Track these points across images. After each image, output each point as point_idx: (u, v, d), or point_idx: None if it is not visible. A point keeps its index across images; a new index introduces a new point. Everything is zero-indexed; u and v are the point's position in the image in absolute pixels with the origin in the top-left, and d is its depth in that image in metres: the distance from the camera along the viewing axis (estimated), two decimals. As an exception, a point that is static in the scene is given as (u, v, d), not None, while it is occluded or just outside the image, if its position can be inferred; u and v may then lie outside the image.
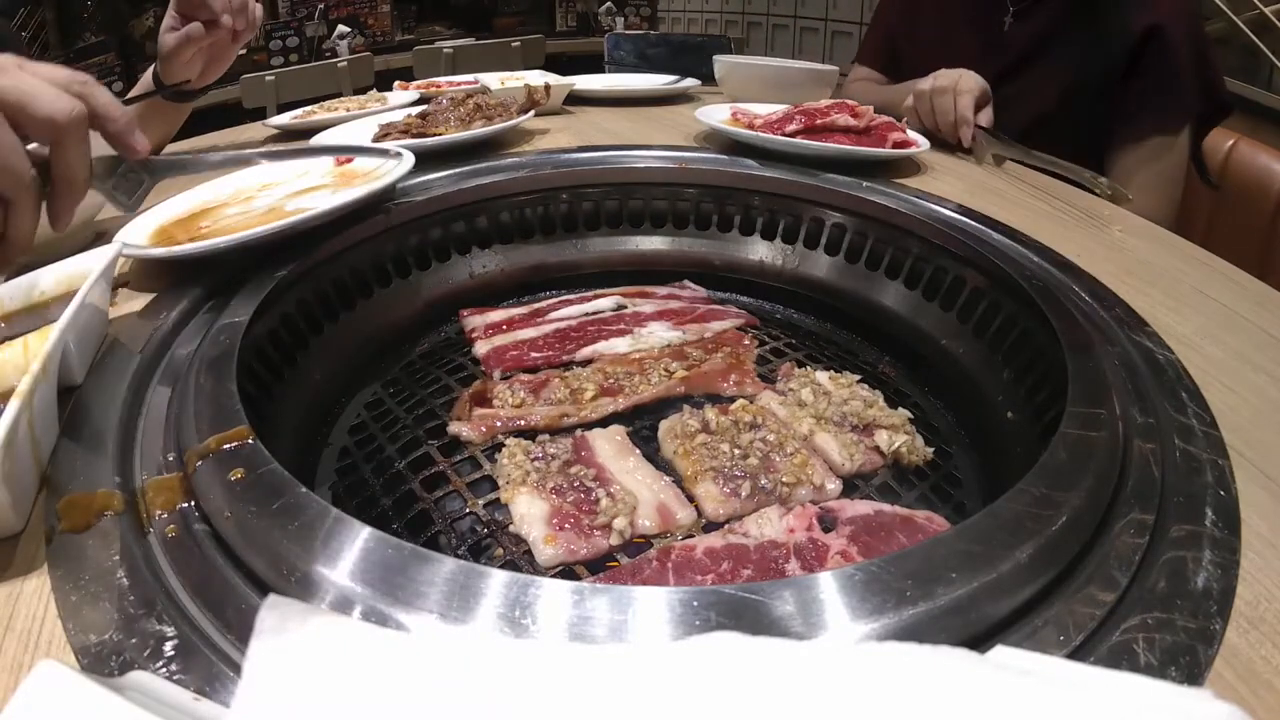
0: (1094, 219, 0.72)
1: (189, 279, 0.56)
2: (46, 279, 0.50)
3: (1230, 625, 0.29)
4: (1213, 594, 0.30)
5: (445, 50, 3.37)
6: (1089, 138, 1.07)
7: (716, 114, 0.93)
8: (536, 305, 0.70)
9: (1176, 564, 0.32)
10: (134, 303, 0.54)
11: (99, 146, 0.51)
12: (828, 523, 0.42)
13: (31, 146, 0.46)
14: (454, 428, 0.52)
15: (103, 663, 0.27)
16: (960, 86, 0.95)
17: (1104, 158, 1.08)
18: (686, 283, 0.75)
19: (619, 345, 0.62)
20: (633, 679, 0.21)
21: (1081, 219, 0.72)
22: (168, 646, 0.27)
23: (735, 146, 0.86)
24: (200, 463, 0.35)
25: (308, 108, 1.17)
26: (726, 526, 0.43)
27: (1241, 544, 0.33)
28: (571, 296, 0.72)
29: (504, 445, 0.49)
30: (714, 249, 0.78)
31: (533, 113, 0.97)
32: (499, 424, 0.52)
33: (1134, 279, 0.58)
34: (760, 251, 0.76)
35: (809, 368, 0.58)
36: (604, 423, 0.53)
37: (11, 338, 0.43)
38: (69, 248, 0.53)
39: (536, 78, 1.22)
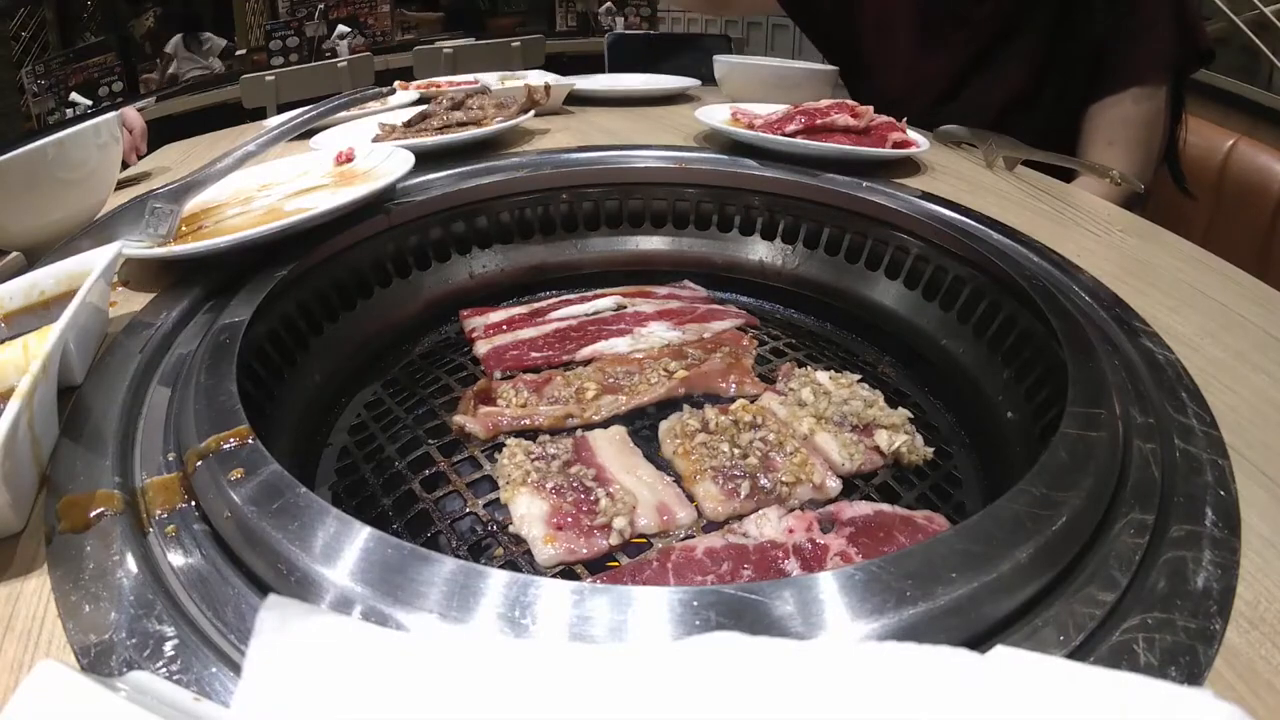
0: (1094, 219, 0.72)
1: (189, 279, 0.56)
2: (46, 279, 0.50)
3: (1230, 625, 0.29)
4: (1213, 594, 0.30)
5: (445, 50, 3.37)
6: (1065, 106, 1.06)
7: (716, 114, 0.93)
8: (537, 305, 0.70)
9: (1176, 564, 0.31)
10: (134, 303, 0.54)
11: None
12: (827, 523, 0.42)
13: None
14: (459, 419, 0.52)
15: (103, 663, 0.27)
16: None
17: (1082, 121, 1.06)
18: (687, 282, 0.75)
19: (619, 345, 0.62)
20: (633, 679, 0.21)
21: (1081, 219, 0.72)
22: (168, 646, 0.27)
23: (735, 146, 0.86)
24: (200, 463, 0.35)
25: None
26: (726, 526, 0.43)
27: (1241, 544, 0.33)
28: (571, 296, 0.72)
29: (504, 445, 0.49)
30: (714, 249, 0.77)
31: (533, 113, 0.97)
32: (504, 422, 0.52)
33: (1134, 279, 0.58)
34: (760, 251, 0.76)
35: (809, 368, 0.58)
36: (606, 423, 0.53)
37: (11, 338, 0.43)
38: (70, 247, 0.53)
39: (537, 78, 1.22)
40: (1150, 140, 1.03)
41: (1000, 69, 1.08)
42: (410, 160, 0.67)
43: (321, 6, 3.57)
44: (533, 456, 0.47)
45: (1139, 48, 1.00)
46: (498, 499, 0.46)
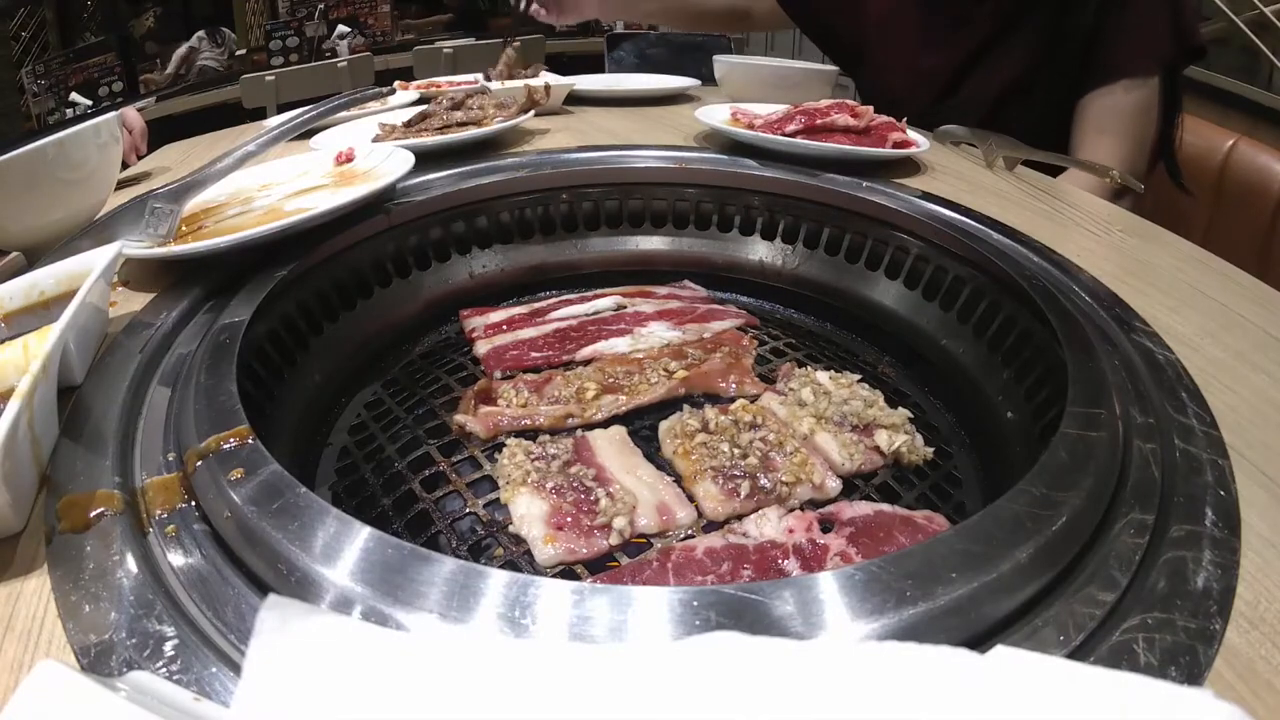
0: (1094, 219, 0.72)
1: (189, 279, 0.56)
2: (46, 279, 0.50)
3: (1230, 625, 0.29)
4: (1213, 594, 0.30)
5: (445, 50, 3.37)
6: (1060, 98, 1.06)
7: (716, 114, 0.93)
8: (537, 305, 0.70)
9: (1176, 564, 0.32)
10: (134, 303, 0.54)
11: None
12: (827, 523, 0.42)
13: None
14: (459, 419, 0.52)
15: (103, 663, 0.27)
16: None
17: (1074, 113, 1.06)
18: (687, 282, 0.75)
19: (619, 345, 0.62)
20: (633, 679, 0.21)
21: (1081, 219, 0.72)
22: (168, 646, 0.28)
23: (735, 146, 0.86)
24: (200, 463, 0.35)
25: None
26: (726, 526, 0.43)
27: (1241, 544, 0.33)
28: (571, 296, 0.72)
29: (504, 445, 0.49)
30: (714, 249, 0.77)
31: (533, 113, 0.97)
32: (504, 422, 0.52)
33: (1134, 279, 0.58)
34: (760, 251, 0.76)
35: (809, 368, 0.58)
36: (606, 423, 0.53)
37: (11, 338, 0.43)
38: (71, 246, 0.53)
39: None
40: (1142, 130, 1.03)
41: (997, 64, 1.08)
42: (410, 160, 0.67)
43: (321, 6, 3.57)
44: (533, 456, 0.47)
45: (1131, 41, 1.01)
46: (498, 499, 0.46)
